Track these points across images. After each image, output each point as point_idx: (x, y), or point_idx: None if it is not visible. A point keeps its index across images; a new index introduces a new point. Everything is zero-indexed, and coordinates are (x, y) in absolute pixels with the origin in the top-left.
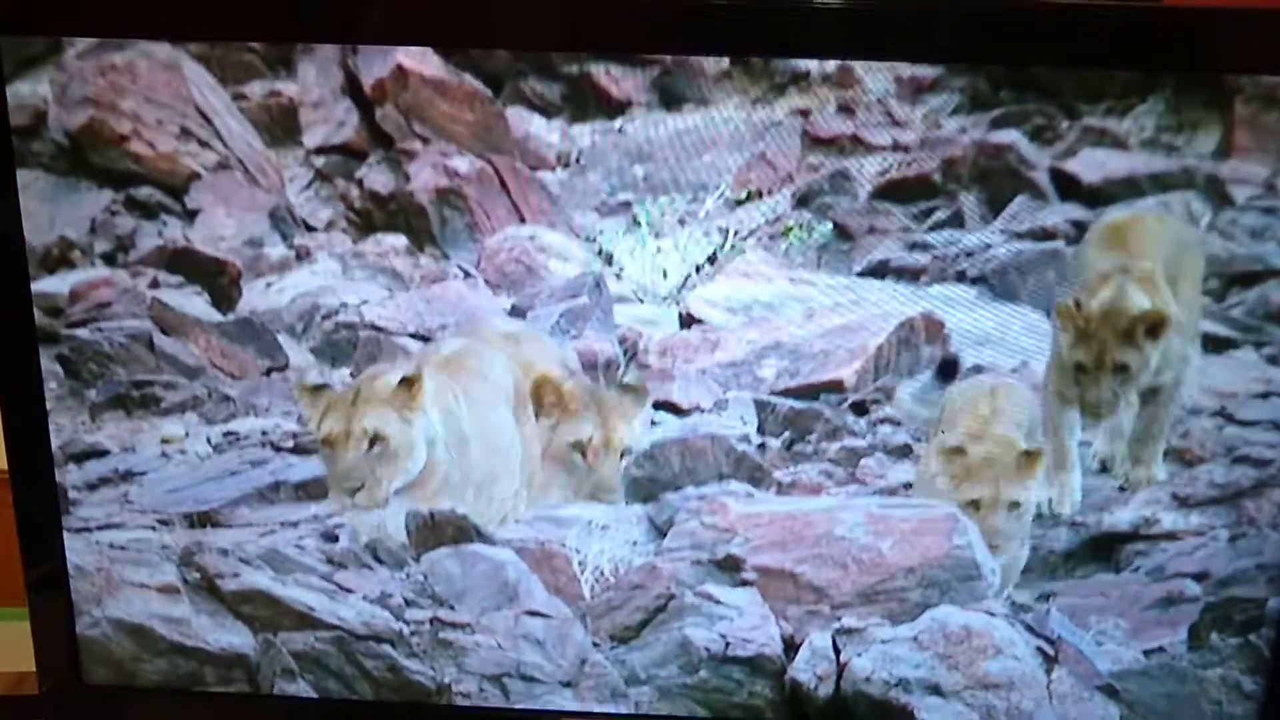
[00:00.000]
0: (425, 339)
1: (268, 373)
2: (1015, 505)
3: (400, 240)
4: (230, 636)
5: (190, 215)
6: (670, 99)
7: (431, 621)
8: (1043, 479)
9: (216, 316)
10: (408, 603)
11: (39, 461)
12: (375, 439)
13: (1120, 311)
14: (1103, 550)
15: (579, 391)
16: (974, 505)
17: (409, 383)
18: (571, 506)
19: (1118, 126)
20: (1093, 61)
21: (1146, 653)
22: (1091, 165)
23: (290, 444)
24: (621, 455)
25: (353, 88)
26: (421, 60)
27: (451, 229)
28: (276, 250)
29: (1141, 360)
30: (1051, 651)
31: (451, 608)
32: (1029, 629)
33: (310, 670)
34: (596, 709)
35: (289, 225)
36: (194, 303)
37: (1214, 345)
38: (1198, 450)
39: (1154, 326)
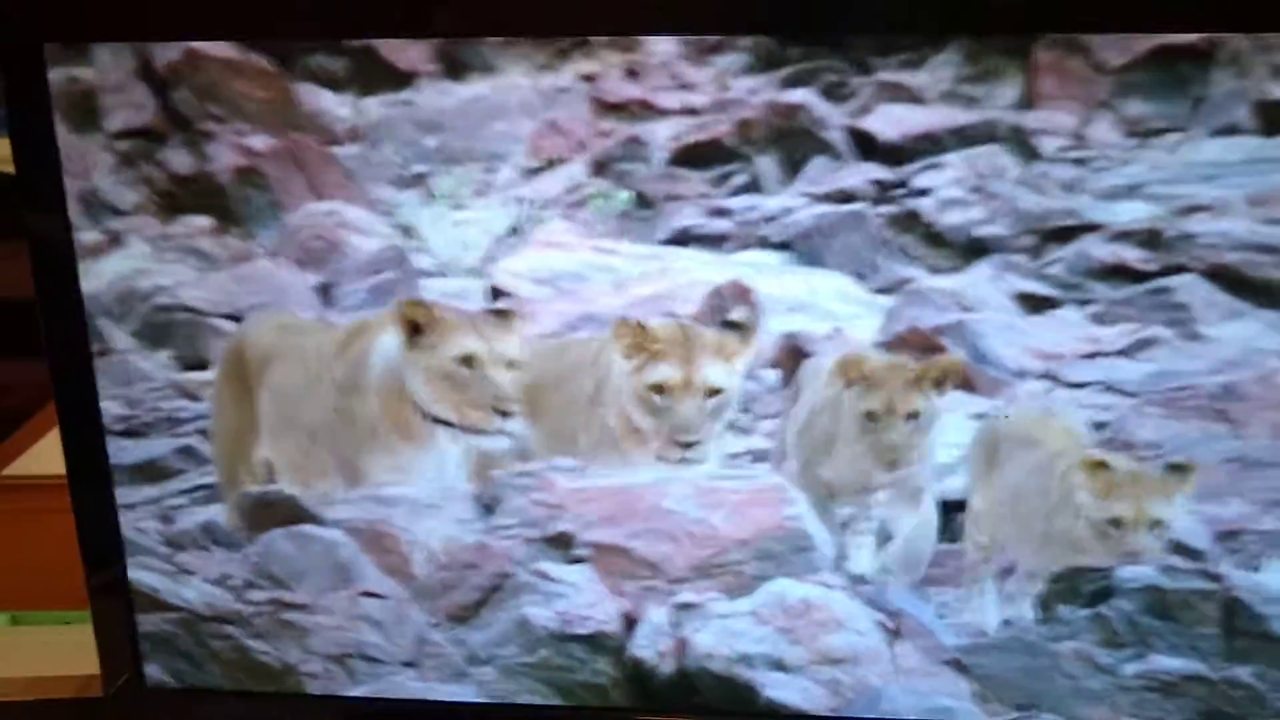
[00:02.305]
0: (239, 320)
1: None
2: (1158, 524)
3: (206, 221)
4: None
5: None
6: (455, 68)
7: (272, 602)
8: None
9: None
10: (248, 584)
11: (97, 465)
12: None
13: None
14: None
15: (666, 331)
16: (1115, 524)
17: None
18: (395, 486)
19: (913, 80)
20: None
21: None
22: (889, 122)
23: (121, 427)
24: (708, 395)
25: (146, 71)
26: (211, 40)
27: (254, 208)
28: (89, 235)
29: (932, 409)
30: (893, 625)
31: (290, 589)
32: (869, 602)
33: (161, 652)
34: (440, 688)
35: (99, 210)
36: None
37: (1034, 305)
38: None
39: (941, 377)
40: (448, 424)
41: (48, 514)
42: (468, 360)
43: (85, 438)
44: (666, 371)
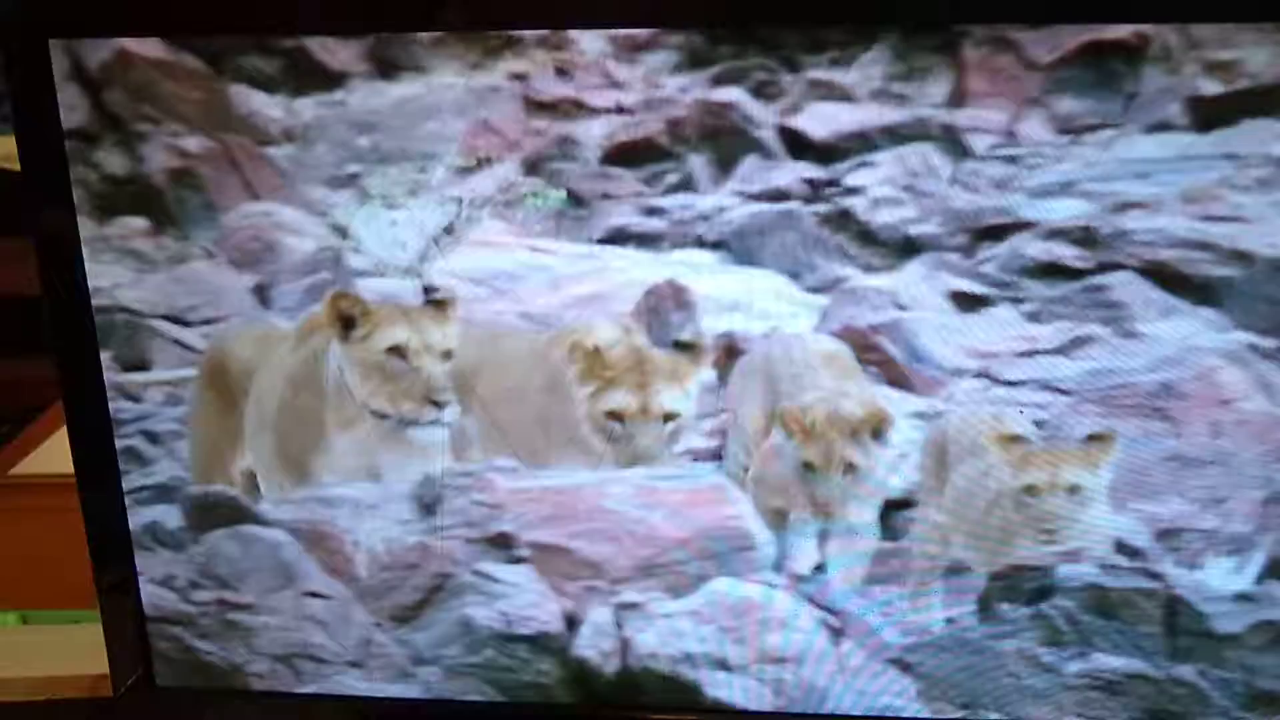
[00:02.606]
0: (177, 321)
1: None
2: (1076, 489)
3: (142, 222)
4: None
5: None
6: (387, 67)
7: (217, 603)
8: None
9: None
10: (193, 584)
11: (105, 464)
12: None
13: (844, 416)
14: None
15: (618, 355)
16: (1030, 491)
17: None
18: (338, 486)
19: (843, 78)
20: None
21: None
22: (820, 120)
23: None
24: (666, 420)
25: (79, 71)
26: (142, 41)
27: (190, 209)
28: None
29: (869, 461)
30: (837, 624)
31: (235, 589)
32: (811, 601)
33: None
34: (386, 688)
35: None
36: None
37: (968, 303)
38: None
39: (879, 428)
40: (384, 416)
41: (56, 513)
42: (398, 351)
43: (93, 436)
44: (623, 400)
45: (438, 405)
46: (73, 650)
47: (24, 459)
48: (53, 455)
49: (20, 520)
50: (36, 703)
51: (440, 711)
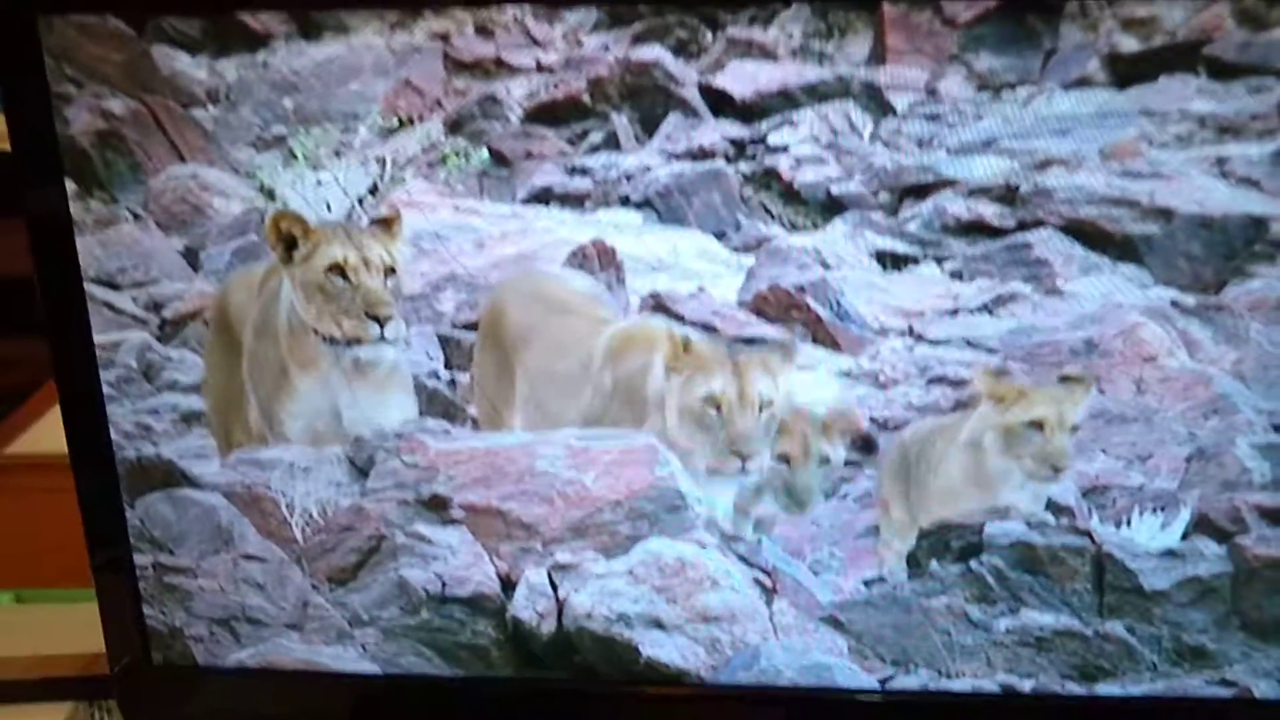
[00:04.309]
0: (108, 285)
1: None
2: (1075, 428)
3: (68, 185)
4: None
5: None
6: (309, 28)
7: (154, 566)
8: None
9: None
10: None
11: (99, 443)
12: None
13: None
14: None
15: (709, 348)
16: (1037, 425)
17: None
18: (271, 449)
19: (764, 36)
20: None
21: (866, 582)
22: (742, 79)
23: None
24: (761, 409)
25: None
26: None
27: (116, 171)
28: None
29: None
30: (769, 583)
31: (171, 552)
32: (743, 560)
33: None
34: (323, 650)
35: None
36: None
37: (893, 262)
38: (890, 372)
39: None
40: (333, 340)
41: (49, 493)
42: (338, 269)
43: (87, 416)
44: (720, 386)
45: (378, 321)
46: (67, 629)
47: (15, 439)
48: (44, 435)
49: (13, 500)
50: (32, 680)
51: (426, 686)
